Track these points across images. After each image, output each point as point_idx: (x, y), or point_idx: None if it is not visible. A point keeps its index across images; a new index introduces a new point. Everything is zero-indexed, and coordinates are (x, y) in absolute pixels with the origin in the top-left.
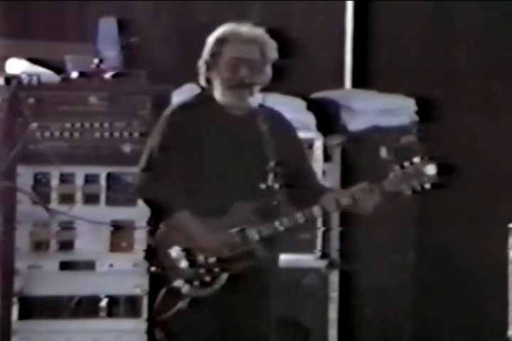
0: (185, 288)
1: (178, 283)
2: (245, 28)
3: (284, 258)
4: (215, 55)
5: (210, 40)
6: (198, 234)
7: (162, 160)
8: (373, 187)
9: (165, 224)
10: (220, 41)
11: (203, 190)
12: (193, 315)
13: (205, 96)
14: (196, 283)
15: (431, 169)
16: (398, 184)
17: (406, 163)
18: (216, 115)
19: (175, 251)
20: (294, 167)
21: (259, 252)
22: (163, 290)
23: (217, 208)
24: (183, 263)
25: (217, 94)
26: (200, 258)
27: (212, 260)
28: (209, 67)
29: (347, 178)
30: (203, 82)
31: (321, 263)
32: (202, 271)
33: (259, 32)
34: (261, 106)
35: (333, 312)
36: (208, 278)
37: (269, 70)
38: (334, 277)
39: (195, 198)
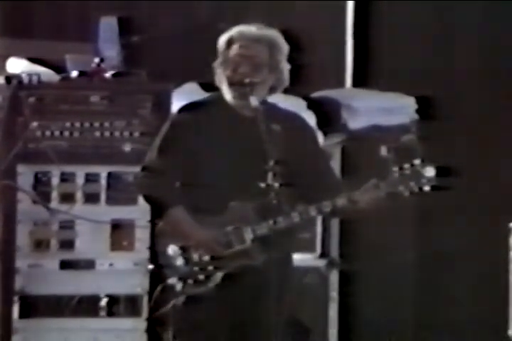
0: (179, 286)
1: (172, 280)
2: (254, 28)
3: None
4: (223, 55)
5: (220, 41)
6: (192, 231)
7: (161, 158)
8: (371, 189)
9: (161, 221)
10: (228, 41)
11: (203, 188)
12: (191, 313)
13: (216, 97)
14: (190, 281)
15: (430, 171)
16: (396, 185)
17: (405, 165)
18: (223, 114)
19: (171, 249)
20: (308, 166)
21: (254, 251)
22: (158, 288)
23: (216, 206)
24: (179, 261)
25: (224, 93)
26: (195, 256)
27: (206, 258)
28: (219, 67)
29: (347, 177)
30: (217, 82)
31: (321, 263)
32: (196, 269)
33: (271, 33)
34: (274, 106)
35: (333, 312)
36: (201, 276)
37: (282, 72)
38: (334, 276)
39: (194, 196)
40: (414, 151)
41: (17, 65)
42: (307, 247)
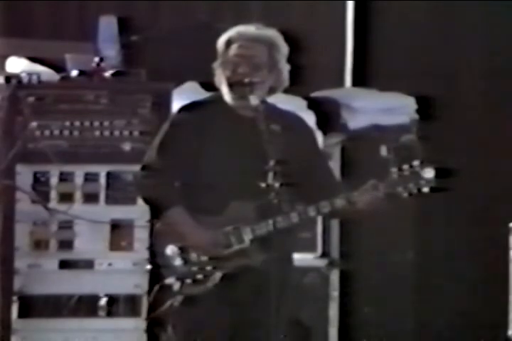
0: (177, 286)
1: (169, 280)
2: (254, 28)
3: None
4: (222, 55)
5: (220, 41)
6: (191, 231)
7: (160, 157)
8: (369, 190)
9: (159, 221)
10: (227, 42)
11: (203, 188)
12: (189, 313)
13: (216, 97)
14: (188, 281)
15: (429, 172)
16: (394, 186)
17: (405, 166)
18: (223, 114)
19: (170, 249)
20: (307, 165)
21: (253, 251)
22: (155, 288)
23: (216, 206)
24: (177, 261)
25: (224, 93)
26: (194, 256)
27: (204, 258)
28: (219, 67)
29: (347, 177)
30: (217, 83)
31: (322, 262)
32: (195, 268)
33: (270, 33)
34: (273, 106)
35: (333, 311)
36: (200, 276)
37: (282, 72)
38: (335, 276)
39: (194, 196)
40: (414, 151)
41: (17, 65)
42: (308, 247)
